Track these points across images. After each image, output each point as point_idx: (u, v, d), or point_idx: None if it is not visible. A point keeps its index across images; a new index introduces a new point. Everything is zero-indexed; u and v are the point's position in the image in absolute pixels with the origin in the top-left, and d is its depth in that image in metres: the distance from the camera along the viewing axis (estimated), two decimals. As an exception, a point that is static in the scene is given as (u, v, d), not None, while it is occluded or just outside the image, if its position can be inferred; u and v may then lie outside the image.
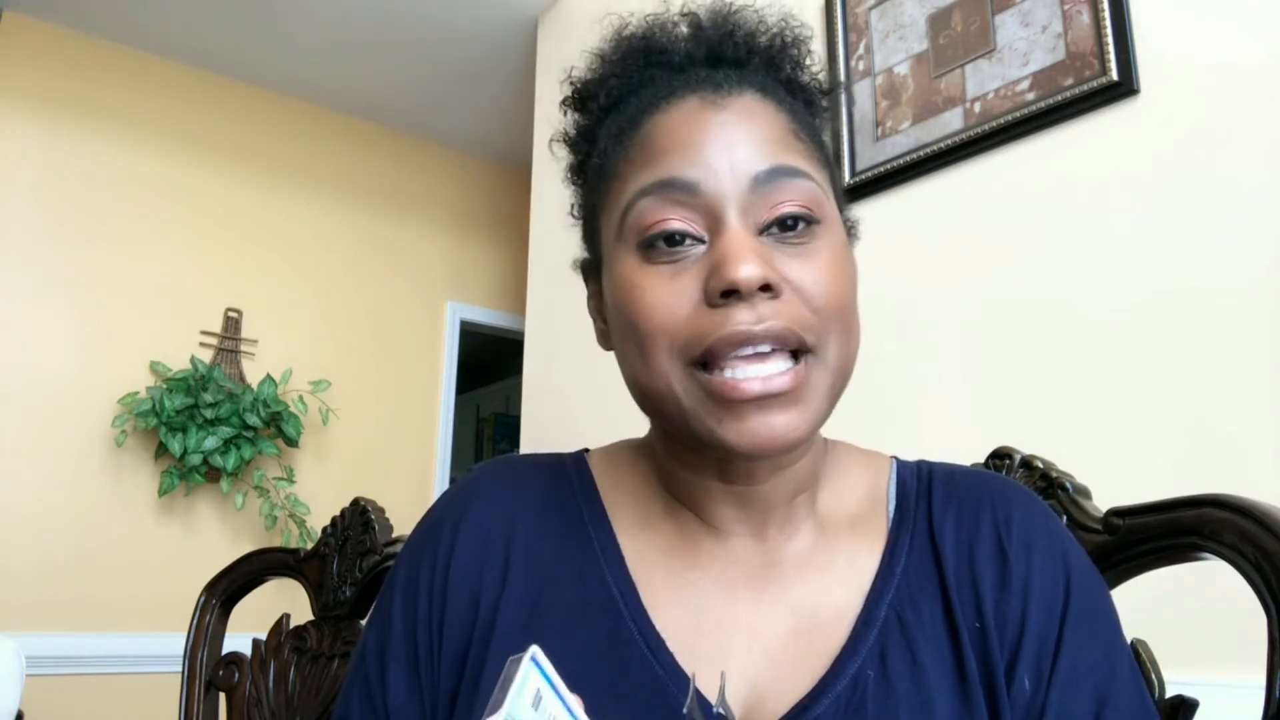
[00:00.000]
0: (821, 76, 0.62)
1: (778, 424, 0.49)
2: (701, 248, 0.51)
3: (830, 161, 0.59)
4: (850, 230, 0.60)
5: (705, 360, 0.50)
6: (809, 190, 0.52)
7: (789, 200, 0.51)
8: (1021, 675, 0.51)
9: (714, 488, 0.56)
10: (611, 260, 0.55)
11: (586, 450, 0.67)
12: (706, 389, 0.50)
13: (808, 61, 0.61)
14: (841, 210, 0.59)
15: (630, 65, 0.59)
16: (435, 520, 0.62)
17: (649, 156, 0.53)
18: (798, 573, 0.56)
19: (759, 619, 0.55)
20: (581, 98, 0.62)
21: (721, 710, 0.39)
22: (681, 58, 0.58)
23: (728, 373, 0.49)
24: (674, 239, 0.51)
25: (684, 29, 0.60)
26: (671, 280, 0.51)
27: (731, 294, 0.49)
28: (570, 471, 0.63)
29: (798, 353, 0.50)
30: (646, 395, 0.54)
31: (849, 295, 0.53)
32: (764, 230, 0.51)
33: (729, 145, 0.51)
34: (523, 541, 0.59)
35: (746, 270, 0.48)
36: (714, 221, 0.51)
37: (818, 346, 0.51)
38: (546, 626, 0.55)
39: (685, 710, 0.36)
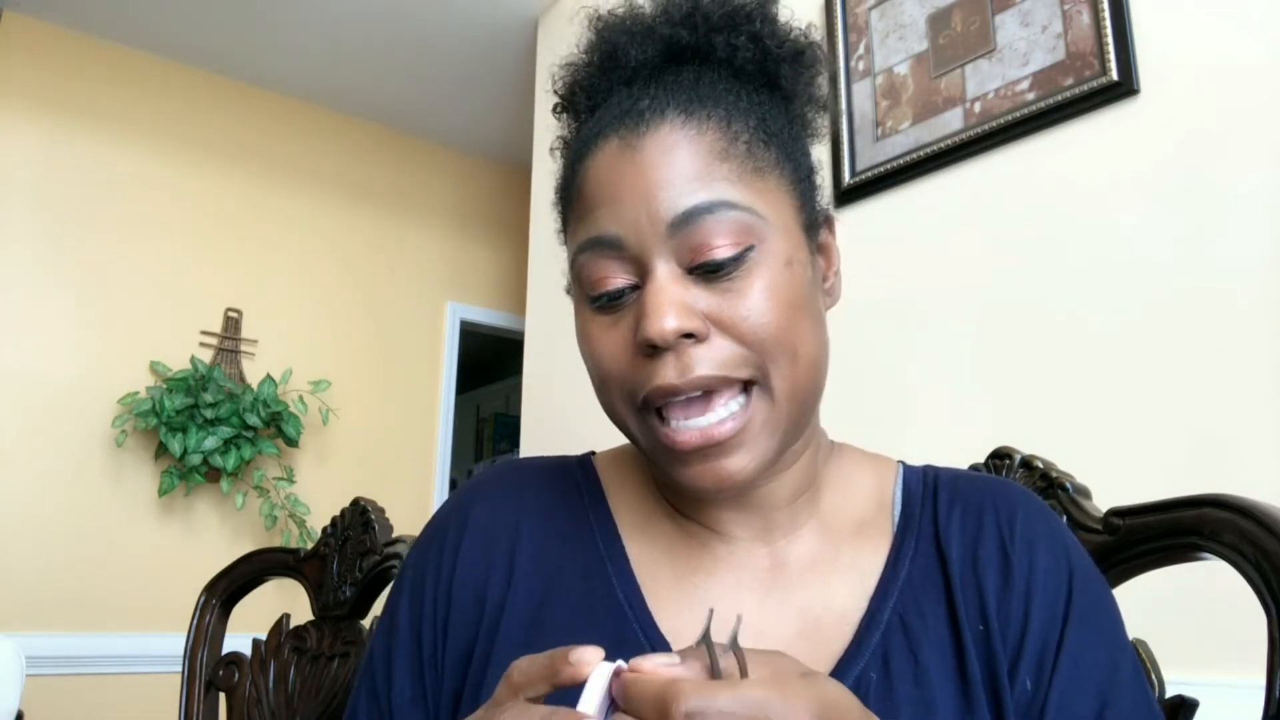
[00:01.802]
0: (794, 38, 0.58)
1: (723, 470, 0.51)
2: (636, 294, 0.52)
3: (792, 152, 0.56)
4: (815, 224, 0.57)
5: (647, 405, 0.52)
6: (732, 221, 0.50)
7: (711, 243, 0.50)
8: (1023, 675, 0.51)
9: None
10: (574, 301, 0.57)
11: (592, 453, 0.67)
12: (657, 437, 0.52)
13: (775, 29, 0.57)
14: (806, 205, 0.56)
15: (592, 73, 0.59)
16: (441, 522, 0.62)
17: (582, 211, 0.54)
18: (802, 575, 0.56)
19: (764, 622, 0.55)
20: (563, 106, 0.62)
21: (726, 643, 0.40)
22: (635, 61, 0.57)
23: (671, 423, 0.51)
24: (615, 294, 0.52)
25: (644, 24, 0.58)
26: (612, 329, 0.53)
27: (656, 346, 0.50)
28: (576, 474, 0.64)
29: (748, 383, 0.51)
30: (617, 426, 0.56)
31: (785, 321, 0.51)
32: (693, 268, 0.51)
33: (644, 194, 0.51)
34: (528, 544, 0.59)
35: (662, 326, 0.49)
36: (641, 269, 0.51)
37: (760, 377, 0.51)
38: (551, 628, 0.55)
39: (697, 642, 0.36)
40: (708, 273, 0.50)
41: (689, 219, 0.50)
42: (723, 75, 0.56)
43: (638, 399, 0.52)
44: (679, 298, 0.50)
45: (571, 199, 0.56)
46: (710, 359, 0.50)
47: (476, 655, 0.56)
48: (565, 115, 0.63)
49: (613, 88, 0.58)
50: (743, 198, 0.51)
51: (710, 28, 0.56)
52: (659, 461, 0.53)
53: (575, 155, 0.56)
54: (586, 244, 0.53)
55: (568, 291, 0.58)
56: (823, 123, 0.61)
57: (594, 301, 0.53)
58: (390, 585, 0.63)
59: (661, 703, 0.33)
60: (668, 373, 0.50)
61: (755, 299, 0.50)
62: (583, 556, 0.58)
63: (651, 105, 0.53)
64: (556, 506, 0.61)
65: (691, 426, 0.50)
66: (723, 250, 0.50)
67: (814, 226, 0.57)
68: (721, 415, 0.50)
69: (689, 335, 0.49)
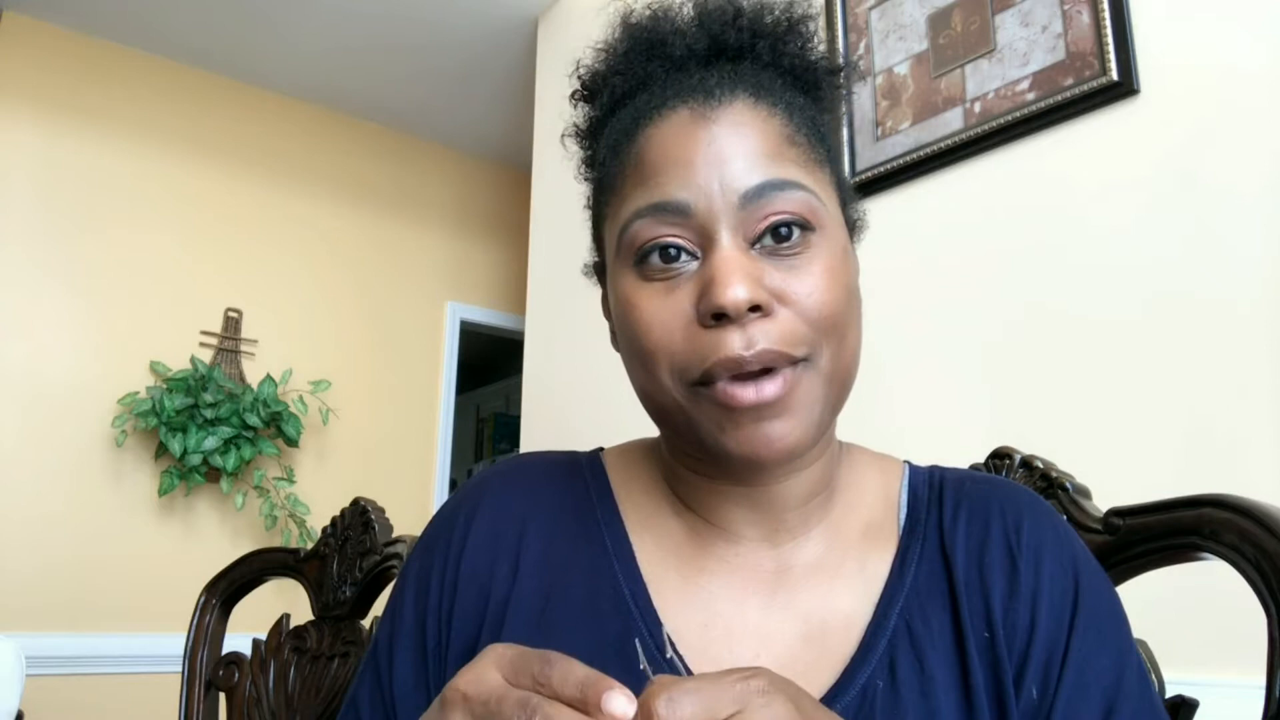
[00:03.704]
0: (827, 55, 0.60)
1: (774, 433, 0.50)
2: (695, 264, 0.51)
3: (834, 156, 0.57)
4: (854, 227, 0.59)
5: (703, 380, 0.51)
6: (802, 200, 0.51)
7: (780, 220, 0.50)
8: (1029, 684, 0.51)
9: (725, 490, 0.56)
10: (613, 274, 0.56)
11: (601, 449, 0.67)
12: (708, 401, 0.51)
13: (814, 43, 0.59)
14: (846, 205, 0.58)
15: (633, 60, 0.58)
16: (449, 515, 0.62)
17: (643, 175, 0.53)
18: (808, 579, 0.56)
19: (769, 625, 0.54)
20: (589, 92, 0.62)
21: (674, 658, 0.41)
22: (682, 51, 0.57)
23: (721, 385, 0.50)
24: (668, 253, 0.51)
25: (688, 15, 0.58)
26: (666, 297, 0.51)
27: (722, 316, 0.49)
28: (584, 470, 0.63)
29: (796, 360, 0.51)
30: (655, 408, 0.55)
31: (843, 304, 0.52)
32: (757, 241, 0.51)
33: (718, 163, 0.51)
34: (534, 539, 0.59)
35: (734, 294, 0.48)
36: (706, 239, 0.51)
37: (811, 355, 0.51)
38: (556, 624, 0.55)
39: (642, 668, 0.37)
40: (774, 243, 0.51)
41: (762, 192, 0.50)
42: (775, 75, 0.57)
43: (694, 373, 0.50)
44: (748, 268, 0.49)
45: (624, 167, 0.55)
46: (775, 333, 0.49)
47: (480, 649, 0.56)
48: (584, 105, 0.62)
49: (655, 74, 0.57)
50: (810, 182, 0.52)
51: (754, 33, 0.57)
52: (706, 433, 0.52)
53: (630, 124, 0.55)
54: (648, 209, 0.52)
55: (586, 273, 0.58)
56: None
57: (643, 261, 0.52)
58: (394, 580, 0.63)
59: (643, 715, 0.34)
60: (734, 344, 0.49)
61: (818, 278, 0.51)
62: (589, 553, 0.58)
63: (721, 84, 0.53)
64: (564, 502, 0.61)
65: (746, 385, 0.50)
66: (790, 230, 0.51)
67: (853, 229, 0.59)
68: (772, 379, 0.50)
69: (756, 308, 0.49)
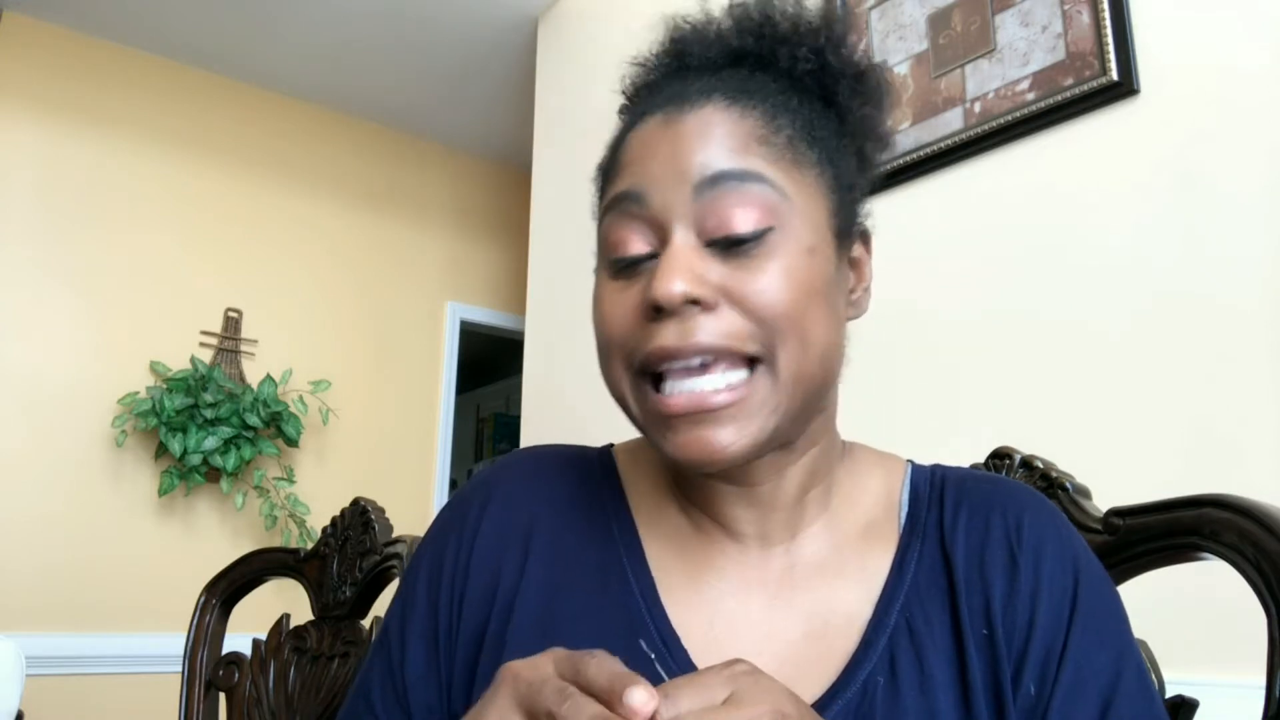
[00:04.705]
0: (857, 59, 0.59)
1: (712, 439, 0.50)
2: (653, 261, 0.52)
3: (833, 159, 0.56)
4: (843, 233, 0.56)
5: (644, 370, 0.52)
6: (758, 196, 0.50)
7: (733, 216, 0.50)
8: (1027, 680, 0.51)
9: (720, 488, 0.57)
10: (595, 274, 0.57)
11: (612, 445, 0.67)
12: (650, 404, 0.52)
13: (838, 47, 0.58)
14: (840, 212, 0.55)
15: (656, 72, 0.60)
16: (462, 503, 0.63)
17: (614, 175, 0.55)
18: (810, 576, 0.56)
19: (772, 622, 0.55)
20: (630, 104, 0.63)
21: (653, 660, 0.45)
22: (699, 62, 0.58)
23: (665, 388, 0.51)
24: (633, 261, 0.52)
25: (715, 30, 0.59)
26: (624, 293, 0.53)
27: (661, 309, 0.49)
28: (595, 465, 0.64)
29: (753, 361, 0.50)
30: (617, 402, 0.56)
31: (800, 305, 0.50)
32: (713, 241, 0.51)
33: (676, 156, 0.51)
34: (543, 532, 0.59)
35: (668, 289, 0.48)
36: (662, 233, 0.51)
37: (765, 356, 0.50)
38: (564, 617, 0.56)
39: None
40: (727, 246, 0.50)
41: (715, 183, 0.50)
42: (778, 78, 0.57)
43: (635, 362, 0.52)
44: (692, 265, 0.50)
45: (608, 172, 0.57)
46: (715, 329, 0.49)
47: (489, 636, 0.56)
48: (627, 116, 0.63)
49: (672, 82, 0.59)
50: (774, 176, 0.51)
51: (776, 39, 0.58)
52: (652, 433, 0.53)
53: (621, 134, 0.57)
54: (611, 202, 0.54)
55: (596, 272, 0.58)
56: (878, 155, 0.61)
57: (611, 266, 0.54)
58: (394, 580, 0.63)
59: None
60: (668, 335, 0.49)
61: (771, 277, 0.50)
62: (598, 548, 0.59)
63: (699, 89, 0.54)
64: (575, 495, 0.62)
65: (684, 390, 0.50)
66: (744, 225, 0.50)
67: (847, 234, 0.56)
68: (718, 384, 0.50)
69: (696, 302, 0.49)
